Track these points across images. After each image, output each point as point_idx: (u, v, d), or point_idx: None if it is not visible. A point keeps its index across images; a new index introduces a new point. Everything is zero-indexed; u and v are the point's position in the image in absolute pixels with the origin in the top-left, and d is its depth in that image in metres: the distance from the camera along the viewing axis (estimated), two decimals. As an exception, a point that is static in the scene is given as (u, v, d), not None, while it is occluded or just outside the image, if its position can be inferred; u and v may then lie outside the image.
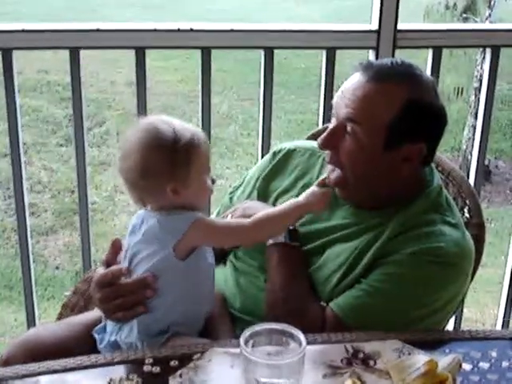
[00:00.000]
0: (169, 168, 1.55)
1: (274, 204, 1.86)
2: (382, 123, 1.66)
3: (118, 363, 1.43)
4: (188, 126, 1.60)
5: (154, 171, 1.56)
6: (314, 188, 1.70)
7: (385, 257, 1.69)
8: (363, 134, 1.67)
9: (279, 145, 2.00)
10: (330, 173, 1.76)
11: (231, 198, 1.98)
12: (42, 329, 1.99)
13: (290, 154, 1.94)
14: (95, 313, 1.78)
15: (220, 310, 1.75)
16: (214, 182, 1.66)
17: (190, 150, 1.56)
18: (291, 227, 1.77)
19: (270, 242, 1.76)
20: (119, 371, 1.42)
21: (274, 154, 1.96)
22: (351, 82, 1.70)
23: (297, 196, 1.83)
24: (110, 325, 1.64)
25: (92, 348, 1.61)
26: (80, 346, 1.51)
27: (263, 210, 1.72)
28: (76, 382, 1.40)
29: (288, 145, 1.97)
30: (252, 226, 1.62)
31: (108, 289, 1.61)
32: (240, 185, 2.00)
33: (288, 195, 1.86)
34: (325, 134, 1.72)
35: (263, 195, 1.91)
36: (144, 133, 1.57)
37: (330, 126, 1.72)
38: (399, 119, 1.66)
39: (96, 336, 1.66)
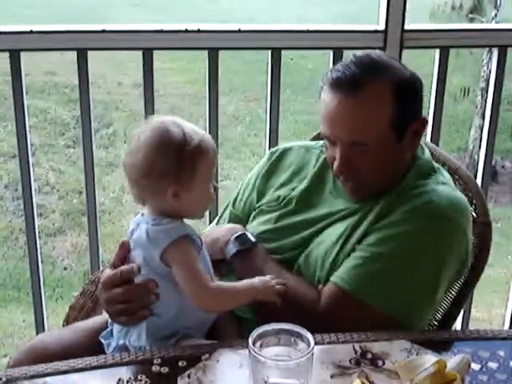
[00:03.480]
0: (173, 170, 1.53)
1: (271, 198, 1.91)
2: (386, 125, 1.67)
3: (127, 364, 1.43)
4: (198, 131, 1.58)
5: (158, 172, 1.54)
6: (271, 279, 1.60)
7: (379, 221, 1.71)
8: (374, 145, 1.67)
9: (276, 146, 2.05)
10: (346, 183, 1.77)
11: (234, 205, 2.01)
12: (47, 335, 1.99)
13: (286, 151, 1.98)
14: (100, 318, 1.78)
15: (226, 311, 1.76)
16: (215, 189, 1.64)
17: (197, 154, 1.54)
18: (239, 233, 1.81)
19: (227, 257, 1.79)
20: (128, 372, 1.42)
21: (272, 153, 2.00)
22: (333, 106, 1.67)
23: (293, 190, 1.88)
24: (117, 329, 1.63)
25: (97, 354, 1.58)
26: (85, 351, 1.50)
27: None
28: (84, 383, 1.40)
29: (284, 144, 2.02)
30: (211, 291, 1.55)
31: (115, 290, 1.60)
32: (240, 190, 2.03)
33: (285, 189, 1.91)
34: (338, 162, 1.71)
35: (262, 192, 1.95)
36: (153, 132, 1.55)
37: (337, 153, 1.70)
38: (397, 111, 1.67)
39: (103, 341, 1.66)
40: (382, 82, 1.67)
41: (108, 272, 1.63)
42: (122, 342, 1.61)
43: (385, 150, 1.69)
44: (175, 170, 1.53)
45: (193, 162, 1.54)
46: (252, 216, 1.94)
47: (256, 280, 1.58)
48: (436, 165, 1.83)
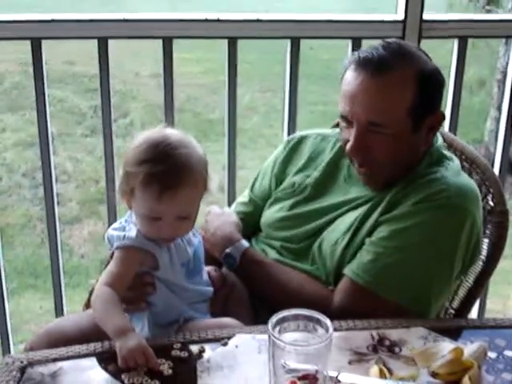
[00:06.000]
0: (123, 180, 1.57)
1: (287, 185, 1.93)
2: (404, 111, 1.68)
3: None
4: (172, 165, 1.52)
5: (121, 174, 1.59)
6: (138, 347, 1.41)
7: (388, 212, 1.72)
8: (390, 129, 1.68)
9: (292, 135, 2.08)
10: (360, 168, 1.78)
11: (252, 190, 2.05)
12: (64, 319, 2.01)
13: (302, 139, 2.00)
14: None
15: (237, 296, 1.80)
16: (167, 232, 1.58)
17: (137, 182, 1.53)
18: (226, 251, 1.84)
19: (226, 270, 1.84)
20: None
21: (288, 141, 2.02)
22: (356, 84, 1.68)
23: (308, 177, 1.90)
24: None
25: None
26: (102, 336, 1.52)
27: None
28: (104, 367, 1.42)
29: (300, 133, 2.04)
30: (93, 299, 1.55)
31: None
32: (257, 177, 2.05)
33: (300, 175, 1.93)
34: (352, 142, 1.72)
35: (280, 180, 1.97)
36: (140, 138, 1.57)
37: (353, 133, 1.71)
38: (417, 99, 1.68)
39: None
40: (408, 69, 1.68)
41: None
42: None
43: (399, 136, 1.69)
44: (123, 182, 1.57)
45: (132, 188, 1.55)
46: (269, 203, 1.96)
47: (119, 340, 1.43)
48: (448, 153, 1.83)
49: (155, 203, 1.53)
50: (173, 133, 1.58)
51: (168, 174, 1.51)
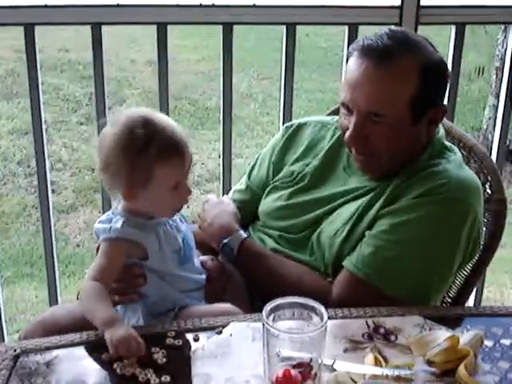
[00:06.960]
0: (126, 173, 1.53)
1: (285, 174, 1.91)
2: (405, 103, 1.66)
3: (140, 336, 1.42)
4: (169, 133, 1.53)
5: (112, 171, 1.54)
6: (127, 335, 1.40)
7: (390, 205, 1.70)
8: (389, 120, 1.67)
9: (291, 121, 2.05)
10: (357, 156, 1.76)
11: (249, 178, 2.03)
12: (58, 309, 2.00)
13: (301, 126, 1.98)
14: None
15: (234, 286, 1.79)
16: (189, 193, 1.60)
17: (154, 162, 1.51)
18: (224, 241, 1.82)
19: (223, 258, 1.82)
20: (142, 344, 1.43)
21: (287, 128, 2.00)
22: (358, 72, 1.67)
23: (307, 166, 1.88)
24: (118, 309, 1.66)
25: None
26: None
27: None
28: (97, 356, 1.41)
29: (299, 120, 2.01)
30: (83, 287, 1.54)
31: None
32: (254, 164, 2.03)
33: (299, 164, 1.91)
34: (351, 130, 1.70)
35: (278, 168, 1.95)
36: (119, 129, 1.53)
37: (352, 121, 1.70)
38: (419, 91, 1.66)
39: None
40: (412, 60, 1.66)
41: None
42: None
43: (398, 127, 1.68)
44: (128, 173, 1.52)
45: (149, 169, 1.52)
46: (266, 191, 1.94)
47: (108, 328, 1.41)
48: (449, 144, 1.82)
49: (181, 166, 1.55)
50: (141, 110, 1.58)
51: (174, 136, 1.54)
